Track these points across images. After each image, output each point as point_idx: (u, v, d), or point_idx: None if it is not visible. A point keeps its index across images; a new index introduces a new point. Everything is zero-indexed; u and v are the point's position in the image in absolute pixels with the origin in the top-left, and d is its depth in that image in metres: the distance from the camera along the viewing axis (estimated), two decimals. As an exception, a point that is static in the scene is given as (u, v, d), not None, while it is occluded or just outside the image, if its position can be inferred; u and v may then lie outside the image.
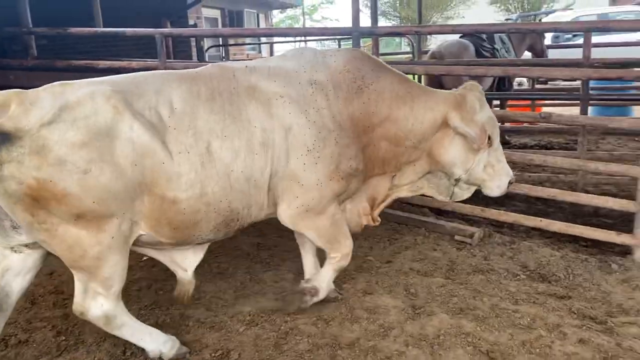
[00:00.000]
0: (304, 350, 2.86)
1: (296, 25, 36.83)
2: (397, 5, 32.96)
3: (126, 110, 2.42)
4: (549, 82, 11.13)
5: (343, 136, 2.90)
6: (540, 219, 4.33)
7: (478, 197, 3.58)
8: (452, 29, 5.78)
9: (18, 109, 2.26)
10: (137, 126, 2.42)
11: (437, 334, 2.96)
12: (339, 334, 3.00)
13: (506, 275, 3.71)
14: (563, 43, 13.27)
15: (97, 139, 2.33)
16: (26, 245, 2.56)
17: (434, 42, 17.38)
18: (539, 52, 8.39)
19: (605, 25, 6.61)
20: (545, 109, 8.66)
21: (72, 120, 2.31)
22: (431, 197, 3.51)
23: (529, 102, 9.23)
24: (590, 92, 6.26)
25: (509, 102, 8.58)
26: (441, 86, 5.80)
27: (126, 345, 2.85)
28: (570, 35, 14.06)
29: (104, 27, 7.27)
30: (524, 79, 10.17)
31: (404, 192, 3.42)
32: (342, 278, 3.65)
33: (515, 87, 9.43)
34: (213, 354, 2.85)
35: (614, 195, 4.79)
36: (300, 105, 2.82)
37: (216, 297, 3.45)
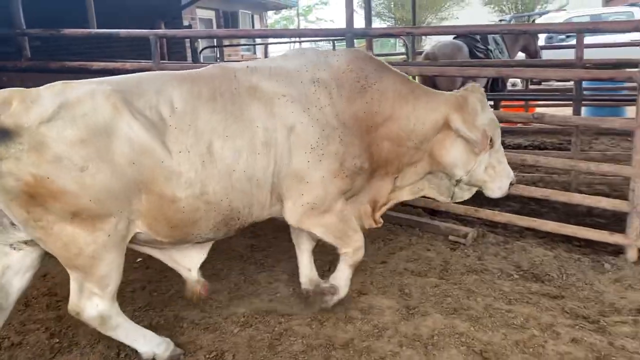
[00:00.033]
0: (298, 351, 2.86)
1: (291, 26, 36.86)
2: (392, 6, 33.03)
3: (125, 108, 2.43)
4: (543, 83, 11.18)
5: (347, 134, 2.91)
6: (533, 219, 4.35)
7: (472, 197, 3.58)
8: (445, 30, 5.81)
9: (19, 106, 2.28)
10: (135, 125, 2.42)
11: (431, 334, 2.97)
12: (333, 334, 3.00)
13: (500, 275, 3.72)
14: (556, 44, 13.32)
15: (96, 137, 2.34)
16: (25, 242, 2.57)
17: (429, 43, 17.43)
18: (532, 53, 8.44)
19: (595, 27, 6.66)
20: (538, 110, 8.70)
21: (71, 118, 2.32)
22: (432, 198, 3.52)
23: (522, 102, 9.27)
24: (584, 92, 6.29)
25: (503, 103, 8.62)
26: (435, 87, 5.80)
27: (120, 347, 2.85)
28: (563, 36, 14.12)
29: (98, 28, 7.25)
30: (518, 80, 10.20)
31: (405, 195, 3.42)
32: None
33: (510, 87, 9.47)
34: (207, 356, 2.85)
35: (607, 195, 4.82)
36: (303, 104, 2.83)
37: (210, 298, 3.44)
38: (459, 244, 4.27)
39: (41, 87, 2.42)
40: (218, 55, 14.29)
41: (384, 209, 3.38)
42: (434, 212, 4.93)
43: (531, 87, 9.76)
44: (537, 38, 8.83)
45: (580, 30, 5.33)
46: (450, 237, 4.38)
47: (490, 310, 3.21)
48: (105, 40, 8.21)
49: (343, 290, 3.21)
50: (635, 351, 2.78)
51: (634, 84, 3.84)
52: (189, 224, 2.64)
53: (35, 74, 5.32)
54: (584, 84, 6.43)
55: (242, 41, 15.86)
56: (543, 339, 2.90)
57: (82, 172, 2.30)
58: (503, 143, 3.42)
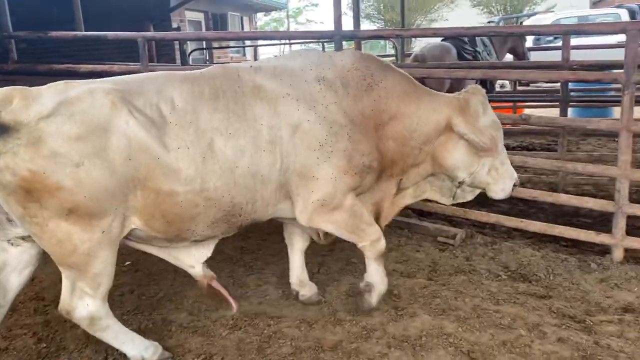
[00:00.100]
0: (287, 353, 2.86)
1: (281, 28, 36.84)
2: (381, 8, 33.08)
3: (123, 106, 2.45)
4: (531, 84, 11.26)
5: (355, 131, 2.91)
6: (521, 219, 4.38)
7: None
8: (434, 33, 5.84)
9: (20, 103, 2.31)
10: (133, 122, 2.44)
11: (419, 335, 2.98)
12: (322, 336, 3.01)
13: (488, 276, 3.75)
14: (544, 45, 13.42)
15: (93, 133, 2.36)
16: (23, 238, 2.57)
17: (418, 45, 17.49)
18: (520, 54, 8.49)
19: (581, 29, 6.72)
20: (526, 111, 8.76)
21: (70, 114, 2.34)
22: (434, 201, 3.52)
23: (510, 104, 9.33)
24: (572, 94, 6.34)
25: (491, 104, 8.64)
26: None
27: (108, 351, 2.84)
28: (551, 38, 14.23)
29: (85, 30, 7.22)
30: (507, 82, 10.27)
31: (407, 198, 3.42)
32: (325, 280, 3.66)
33: (498, 89, 9.53)
34: (196, 359, 2.85)
35: (594, 196, 4.87)
36: (308, 102, 2.84)
37: (199, 301, 3.44)
38: (448, 245, 4.30)
39: (43, 86, 2.45)
40: (207, 58, 14.26)
41: (389, 217, 3.37)
42: (422, 213, 4.95)
43: (519, 88, 9.84)
44: (525, 40, 8.89)
45: (566, 32, 5.39)
46: (439, 238, 4.40)
47: (478, 311, 3.24)
48: (93, 42, 8.19)
49: (380, 285, 3.20)
50: (620, 350, 2.81)
51: (620, 86, 3.89)
52: (186, 220, 2.64)
53: (22, 77, 5.28)
54: (573, 86, 6.48)
55: (232, 43, 15.83)
56: (530, 338, 2.93)
57: (78, 167, 2.31)
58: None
